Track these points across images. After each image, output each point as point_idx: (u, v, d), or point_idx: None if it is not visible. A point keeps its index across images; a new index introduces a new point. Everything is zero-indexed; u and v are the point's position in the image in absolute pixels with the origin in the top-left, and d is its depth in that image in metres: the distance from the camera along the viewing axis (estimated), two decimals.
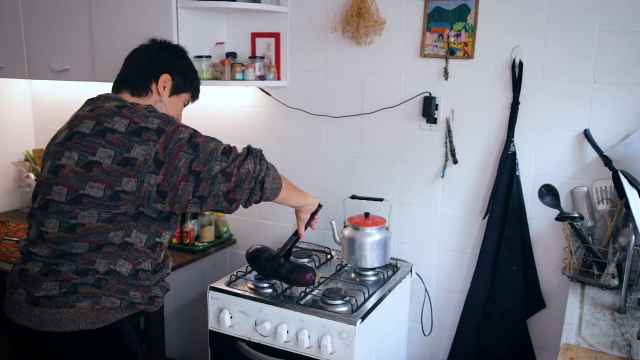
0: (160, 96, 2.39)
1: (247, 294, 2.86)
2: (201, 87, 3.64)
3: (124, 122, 2.09)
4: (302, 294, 2.81)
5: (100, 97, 2.27)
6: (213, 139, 2.17)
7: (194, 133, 2.14)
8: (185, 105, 2.53)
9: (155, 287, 2.34)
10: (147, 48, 2.45)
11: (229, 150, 2.14)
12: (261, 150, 2.25)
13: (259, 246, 2.91)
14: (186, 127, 2.15)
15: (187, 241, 3.59)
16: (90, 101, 2.27)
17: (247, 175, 2.13)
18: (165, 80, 2.38)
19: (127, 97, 2.32)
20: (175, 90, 2.43)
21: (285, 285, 2.88)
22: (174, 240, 3.57)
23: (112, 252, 2.16)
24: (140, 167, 2.06)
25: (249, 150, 2.20)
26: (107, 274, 2.16)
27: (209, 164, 2.08)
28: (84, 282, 2.14)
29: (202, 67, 3.28)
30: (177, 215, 2.35)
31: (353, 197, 3.27)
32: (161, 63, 2.40)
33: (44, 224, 2.14)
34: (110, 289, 2.18)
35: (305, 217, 2.67)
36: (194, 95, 2.57)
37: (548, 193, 2.84)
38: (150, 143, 2.06)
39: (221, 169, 2.09)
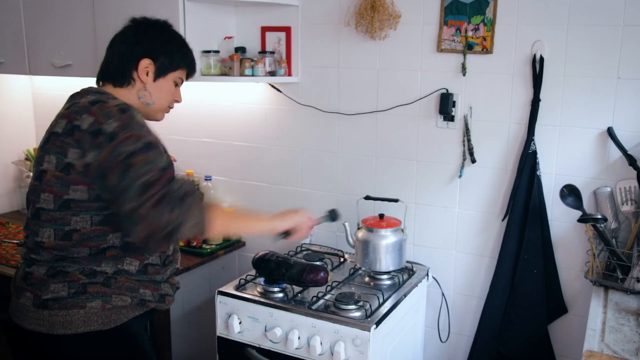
0: (144, 83, 2.34)
1: (256, 298, 2.89)
2: (208, 84, 3.72)
3: (90, 120, 2.09)
4: (314, 298, 2.83)
5: (82, 92, 2.28)
6: (149, 163, 2.06)
7: (137, 151, 2.05)
8: (178, 84, 2.47)
9: (166, 285, 2.39)
10: (124, 32, 2.39)
11: (148, 186, 2.02)
12: (188, 193, 2.10)
13: (265, 251, 2.96)
14: (139, 139, 2.08)
15: (195, 244, 3.63)
16: (72, 97, 2.29)
17: (154, 232, 2.02)
18: (146, 65, 2.32)
19: (110, 89, 2.32)
20: (160, 73, 2.36)
21: (296, 290, 2.92)
22: (181, 243, 3.59)
23: (116, 254, 2.21)
24: (94, 174, 2.09)
25: (166, 192, 2.04)
26: (115, 273, 2.21)
27: (127, 194, 2.02)
28: (92, 281, 2.18)
29: (210, 62, 3.33)
30: None
31: (367, 197, 3.30)
32: (139, 47, 2.33)
33: (39, 233, 2.19)
34: (120, 287, 2.22)
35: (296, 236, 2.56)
36: (190, 71, 2.50)
37: (570, 194, 2.86)
38: (100, 148, 2.06)
39: (130, 207, 2.01)
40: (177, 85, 2.46)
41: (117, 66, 2.32)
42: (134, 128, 2.09)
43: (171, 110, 2.49)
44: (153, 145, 2.11)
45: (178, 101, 2.50)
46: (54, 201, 2.14)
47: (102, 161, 2.05)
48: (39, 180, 2.17)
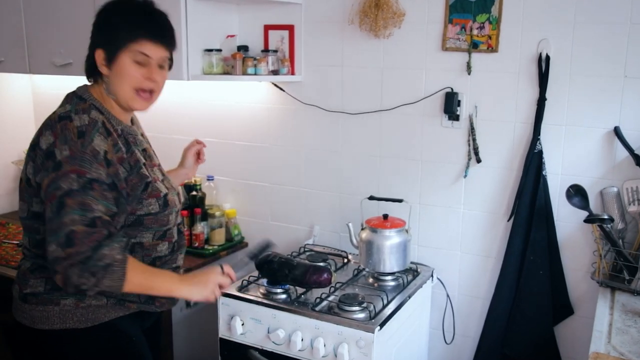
0: (107, 75, 2.23)
1: (259, 300, 2.89)
2: (211, 83, 3.72)
3: (50, 139, 2.09)
4: (318, 299, 2.84)
5: (74, 93, 2.28)
6: (82, 209, 2.02)
7: (73, 191, 2.02)
8: (142, 62, 2.21)
9: None
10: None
11: (72, 240, 1.99)
12: (113, 263, 2.04)
13: (269, 252, 2.96)
14: (79, 177, 2.04)
15: (197, 244, 3.65)
16: (65, 97, 2.30)
17: (68, 285, 2.01)
18: (99, 55, 2.21)
19: (92, 88, 2.29)
20: (110, 57, 2.20)
21: (299, 291, 2.92)
22: None
23: None
24: (41, 193, 2.12)
25: (89, 257, 2.00)
26: None
27: (50, 237, 2.01)
28: None
29: (212, 61, 3.34)
30: (154, 216, 2.31)
31: (371, 198, 3.31)
32: (92, 38, 2.26)
33: (22, 238, 2.30)
34: None
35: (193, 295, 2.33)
36: (150, 37, 2.21)
37: (576, 194, 2.87)
38: (45, 173, 2.07)
39: (53, 257, 2.00)
40: (140, 63, 2.22)
41: (86, 62, 2.31)
42: (82, 160, 2.06)
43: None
44: (94, 185, 2.07)
45: (152, 80, 2.25)
46: (26, 210, 2.22)
47: (44, 188, 2.08)
48: (20, 187, 2.26)
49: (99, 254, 2.00)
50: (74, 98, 2.24)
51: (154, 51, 2.22)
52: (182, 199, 2.55)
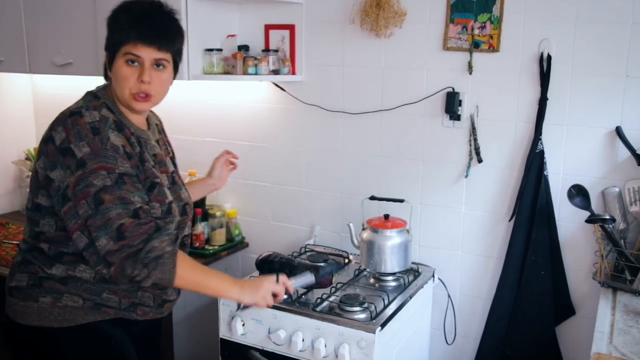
0: (110, 77, 2.27)
1: None
2: (211, 83, 3.72)
3: (62, 135, 2.11)
4: (318, 300, 2.84)
5: (91, 91, 2.31)
6: (123, 203, 2.07)
7: (108, 187, 2.06)
8: (135, 61, 2.19)
9: (145, 295, 2.37)
10: None
11: (122, 233, 2.05)
12: (163, 255, 2.10)
13: (269, 252, 2.95)
14: (109, 174, 2.08)
15: (197, 244, 3.65)
16: (84, 94, 2.32)
17: (122, 277, 2.06)
18: (105, 58, 2.29)
19: (110, 88, 2.30)
20: (111, 59, 2.25)
21: (300, 291, 2.92)
22: None
23: (72, 260, 2.23)
24: (54, 192, 2.13)
25: (141, 249, 2.06)
26: (65, 278, 2.23)
27: (98, 233, 2.05)
28: (50, 276, 2.23)
29: (212, 60, 3.34)
30: None
31: (372, 198, 3.31)
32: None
33: (23, 229, 2.33)
34: (78, 287, 2.24)
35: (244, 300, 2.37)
36: (136, 37, 2.19)
37: (578, 194, 2.87)
38: (68, 171, 2.08)
39: (105, 251, 2.04)
40: (133, 62, 2.20)
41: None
42: (106, 157, 2.09)
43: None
44: (125, 179, 2.11)
45: (143, 81, 2.21)
46: (31, 201, 2.25)
47: (71, 186, 2.08)
48: (30, 180, 2.28)
49: (149, 246, 2.07)
50: (89, 95, 2.27)
51: (144, 51, 2.19)
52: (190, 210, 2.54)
